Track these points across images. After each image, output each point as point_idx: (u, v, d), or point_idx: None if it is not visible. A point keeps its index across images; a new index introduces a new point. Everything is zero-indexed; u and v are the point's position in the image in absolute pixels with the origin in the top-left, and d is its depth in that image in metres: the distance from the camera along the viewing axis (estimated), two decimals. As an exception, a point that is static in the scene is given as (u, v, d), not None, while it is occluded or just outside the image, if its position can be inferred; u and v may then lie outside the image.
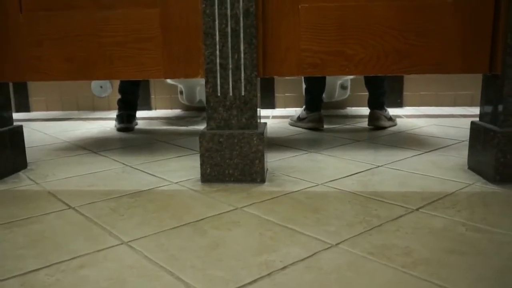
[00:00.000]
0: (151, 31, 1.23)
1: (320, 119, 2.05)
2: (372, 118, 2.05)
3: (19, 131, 1.39)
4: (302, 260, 0.75)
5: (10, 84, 1.86)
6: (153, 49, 1.24)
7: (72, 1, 1.23)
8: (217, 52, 1.17)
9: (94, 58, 1.26)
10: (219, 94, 1.19)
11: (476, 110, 2.61)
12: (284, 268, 0.72)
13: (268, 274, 0.70)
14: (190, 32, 1.22)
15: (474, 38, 1.17)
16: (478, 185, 1.15)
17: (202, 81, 2.51)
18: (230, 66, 1.17)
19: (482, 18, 1.16)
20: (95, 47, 1.25)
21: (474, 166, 1.27)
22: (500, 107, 1.16)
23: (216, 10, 1.15)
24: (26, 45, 1.27)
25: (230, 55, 1.17)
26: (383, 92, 2.10)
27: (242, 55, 1.17)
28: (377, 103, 2.08)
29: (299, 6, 1.19)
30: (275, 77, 2.84)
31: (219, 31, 1.16)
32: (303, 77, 2.55)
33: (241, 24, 1.15)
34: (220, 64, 1.17)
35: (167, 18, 1.22)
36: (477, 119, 1.28)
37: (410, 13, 1.17)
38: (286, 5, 1.19)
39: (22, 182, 1.26)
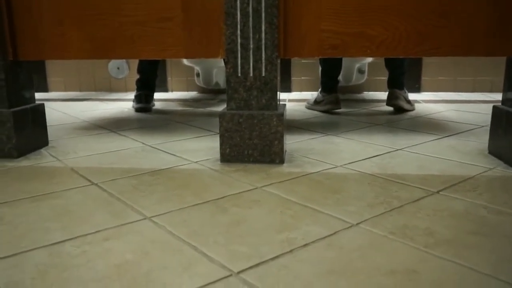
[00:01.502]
0: (171, 10, 1.23)
1: (337, 101, 2.04)
2: (391, 97, 2.03)
3: (40, 109, 1.41)
4: (323, 238, 0.75)
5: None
6: (173, 29, 1.24)
7: (94, -21, 1.24)
8: (238, 32, 1.17)
9: (115, 37, 1.26)
10: (239, 75, 1.19)
11: (496, 96, 2.57)
12: (305, 245, 0.73)
13: (290, 251, 0.71)
14: (210, 12, 1.22)
15: (499, 20, 1.15)
16: (499, 169, 1.14)
17: (219, 63, 2.51)
18: (251, 46, 1.17)
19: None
20: (116, 26, 1.26)
21: (495, 150, 1.25)
22: (524, 91, 1.14)
23: (238, -11, 1.14)
24: (48, 24, 1.28)
25: (251, 35, 1.16)
26: (403, 72, 2.07)
27: (263, 35, 1.16)
28: (396, 83, 2.05)
29: (321, -14, 1.18)
30: (291, 60, 2.83)
31: (240, 11, 1.16)
32: (319, 60, 2.54)
33: (263, 4, 1.15)
34: (241, 44, 1.17)
35: (188, -3, 1.22)
36: (497, 104, 1.26)
37: (434, -6, 1.15)
38: (308, -15, 1.18)
39: (44, 158, 1.28)
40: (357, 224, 0.81)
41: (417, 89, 2.78)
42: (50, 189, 1.02)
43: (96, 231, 0.79)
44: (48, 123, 1.47)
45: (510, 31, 1.15)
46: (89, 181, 1.08)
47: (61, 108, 2.30)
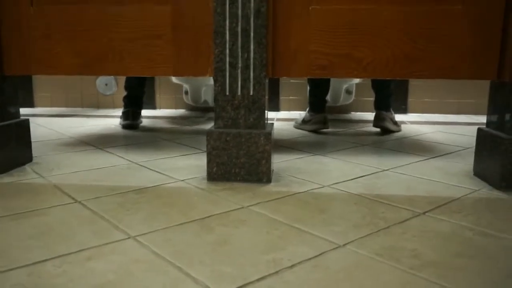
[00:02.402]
0: (161, 28, 1.24)
1: (325, 121, 2.05)
2: (377, 118, 2.05)
3: (25, 124, 1.39)
4: (310, 259, 0.75)
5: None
6: (163, 46, 1.24)
7: (84, -4, 1.24)
8: (227, 51, 1.17)
9: (104, 53, 1.26)
10: (227, 93, 1.19)
11: (480, 118, 2.61)
12: (292, 266, 0.72)
13: (276, 272, 0.70)
14: (200, 30, 1.22)
15: (483, 45, 1.17)
16: (484, 191, 1.14)
17: (207, 81, 2.52)
18: (240, 65, 1.17)
19: (492, 25, 1.16)
20: (105, 42, 1.25)
21: (480, 172, 1.27)
22: (508, 114, 1.16)
23: (227, 9, 1.15)
24: (36, 38, 1.27)
25: (239, 54, 1.17)
26: (390, 94, 2.09)
27: (251, 54, 1.17)
28: (383, 104, 2.07)
29: (310, 8, 1.19)
30: (280, 79, 2.85)
31: (229, 30, 1.17)
32: (307, 79, 2.56)
33: (252, 24, 1.16)
34: (230, 63, 1.18)
35: (177, 15, 1.22)
36: (481, 127, 1.28)
37: (420, 18, 1.17)
38: (297, 6, 1.19)
39: (28, 175, 1.26)
40: (344, 245, 0.81)
41: (404, 110, 2.82)
42: (33, 206, 1.00)
43: (79, 250, 0.77)
44: (33, 139, 1.45)
45: (494, 56, 1.18)
46: (73, 198, 1.06)
47: (47, 124, 2.27)
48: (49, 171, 1.30)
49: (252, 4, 1.15)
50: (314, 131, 2.08)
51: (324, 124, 2.06)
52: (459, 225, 0.91)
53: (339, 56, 1.21)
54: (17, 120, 1.36)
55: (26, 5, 1.26)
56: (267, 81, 1.21)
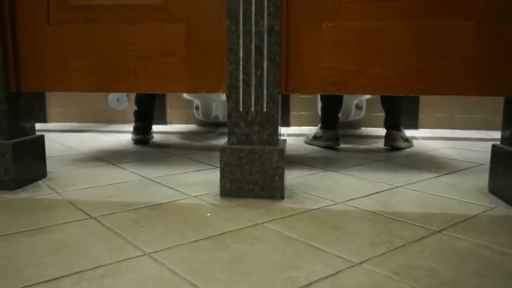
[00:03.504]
0: (175, 46, 1.25)
1: (337, 138, 2.06)
2: (388, 138, 2.05)
3: (40, 140, 1.41)
4: (327, 277, 0.74)
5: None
6: (176, 64, 1.26)
7: (98, 14, 1.26)
8: (241, 68, 1.18)
9: (118, 71, 1.28)
10: (241, 110, 1.20)
11: (492, 134, 2.59)
12: (309, 285, 0.71)
13: (293, 291, 0.70)
14: (213, 48, 1.24)
15: (496, 61, 1.17)
16: (500, 208, 1.13)
17: (218, 97, 2.53)
18: (253, 82, 1.18)
19: (503, 41, 1.16)
20: (119, 60, 1.27)
21: (495, 189, 1.25)
22: (523, 131, 1.15)
23: (241, 27, 1.17)
24: (52, 56, 1.29)
25: (253, 71, 1.18)
26: (399, 113, 2.10)
27: (265, 71, 1.18)
28: (393, 124, 2.08)
29: (322, 25, 1.20)
30: (290, 95, 2.86)
31: (243, 48, 1.18)
32: (319, 95, 2.56)
33: (265, 41, 1.17)
34: (243, 80, 1.19)
35: (191, 33, 1.24)
36: (494, 142, 1.27)
37: (431, 34, 1.18)
38: (309, 23, 1.20)
39: (42, 191, 1.27)
40: (360, 263, 0.80)
41: (415, 126, 2.81)
42: (47, 222, 1.00)
43: (95, 267, 0.77)
44: (46, 154, 1.46)
45: (506, 71, 1.17)
46: (87, 214, 1.06)
47: (60, 139, 2.29)
48: (64, 187, 1.31)
49: (265, 22, 1.16)
50: (325, 148, 2.08)
51: (336, 141, 2.06)
52: (476, 243, 0.90)
53: (352, 72, 1.21)
54: (33, 136, 1.38)
55: (43, 23, 1.28)
56: (280, 97, 1.22)
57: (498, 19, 1.15)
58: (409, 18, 1.18)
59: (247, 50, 1.18)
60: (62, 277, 0.74)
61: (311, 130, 2.55)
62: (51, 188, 1.30)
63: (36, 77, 1.31)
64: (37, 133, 1.42)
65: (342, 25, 1.20)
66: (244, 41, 1.18)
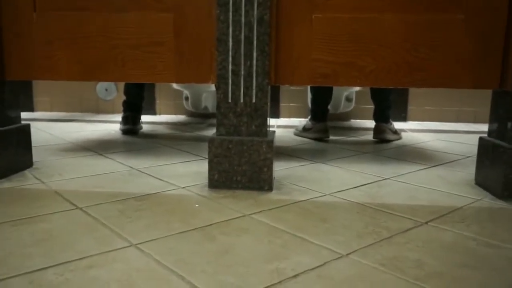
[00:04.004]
0: (164, 35, 1.24)
1: (326, 130, 2.06)
2: (377, 131, 2.06)
3: (26, 130, 1.39)
4: (313, 269, 0.74)
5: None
6: (165, 53, 1.24)
7: (86, 2, 1.24)
8: (230, 58, 1.17)
9: (106, 60, 1.26)
10: (230, 101, 1.19)
11: (479, 127, 2.61)
12: (295, 276, 0.71)
13: (279, 282, 0.69)
14: (202, 37, 1.22)
15: (485, 54, 1.17)
16: (486, 200, 1.14)
17: (208, 87, 2.52)
18: (242, 73, 1.17)
19: (494, 34, 1.16)
20: (107, 49, 1.25)
21: (482, 181, 1.26)
22: (510, 124, 1.16)
23: (231, 17, 1.16)
24: (38, 44, 1.27)
25: (242, 62, 1.17)
26: (389, 106, 2.10)
27: (254, 62, 1.17)
28: (382, 116, 2.08)
29: (313, 16, 1.19)
30: (280, 86, 2.85)
31: (232, 38, 1.17)
32: (309, 87, 2.56)
33: (255, 32, 1.16)
34: (232, 71, 1.18)
35: (180, 23, 1.22)
36: (481, 135, 1.28)
37: (422, 27, 1.18)
38: (299, 14, 1.19)
39: (28, 180, 1.26)
40: (347, 254, 0.80)
41: (404, 118, 2.82)
42: (33, 212, 0.99)
43: (80, 258, 0.77)
44: (33, 144, 1.44)
45: (496, 65, 1.18)
46: (74, 205, 1.05)
47: (47, 129, 2.27)
48: (50, 177, 1.30)
49: (255, 12, 1.15)
50: (315, 139, 2.08)
51: (325, 133, 2.06)
52: (462, 235, 0.91)
53: (342, 64, 1.21)
54: (18, 125, 1.35)
55: (29, 11, 1.26)
56: (269, 88, 1.21)
57: (489, 13, 1.15)
58: (400, 11, 1.17)
59: (236, 41, 1.17)
60: (47, 267, 0.73)
61: (300, 121, 2.55)
62: (37, 178, 1.28)
63: (21, 65, 1.28)
64: (23, 122, 1.39)
65: (332, 16, 1.19)
66: (233, 31, 1.16)
